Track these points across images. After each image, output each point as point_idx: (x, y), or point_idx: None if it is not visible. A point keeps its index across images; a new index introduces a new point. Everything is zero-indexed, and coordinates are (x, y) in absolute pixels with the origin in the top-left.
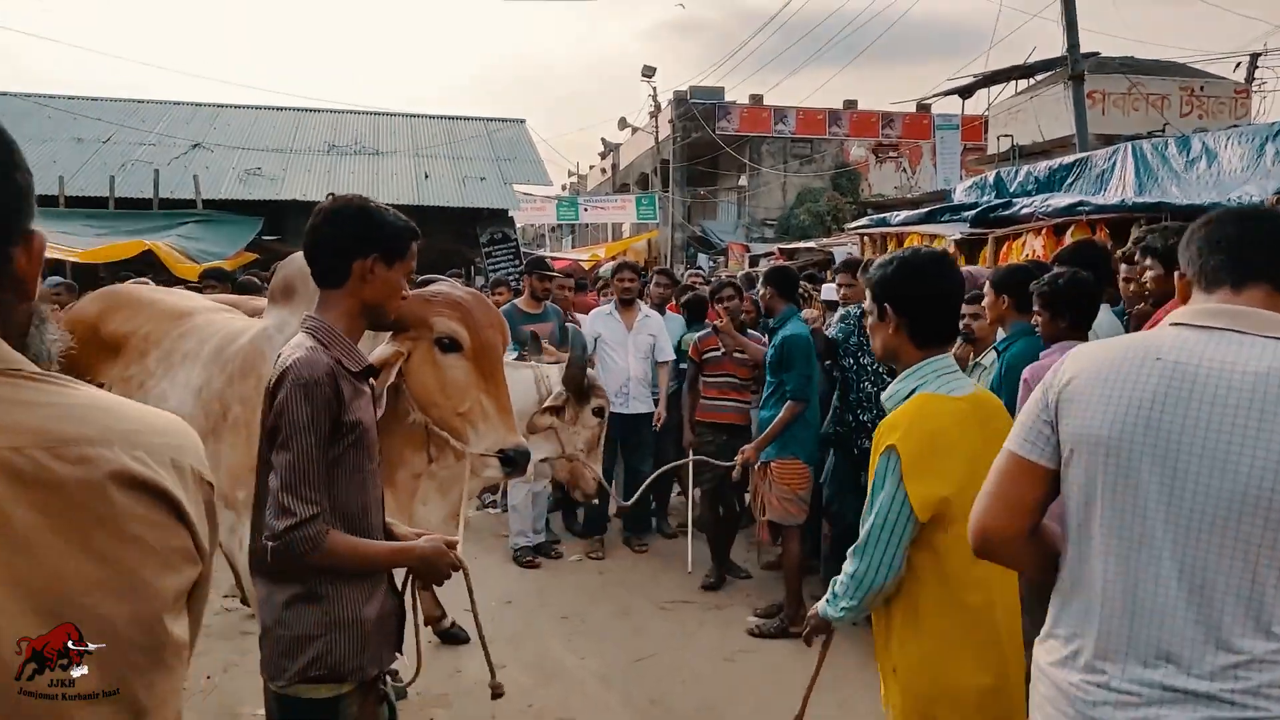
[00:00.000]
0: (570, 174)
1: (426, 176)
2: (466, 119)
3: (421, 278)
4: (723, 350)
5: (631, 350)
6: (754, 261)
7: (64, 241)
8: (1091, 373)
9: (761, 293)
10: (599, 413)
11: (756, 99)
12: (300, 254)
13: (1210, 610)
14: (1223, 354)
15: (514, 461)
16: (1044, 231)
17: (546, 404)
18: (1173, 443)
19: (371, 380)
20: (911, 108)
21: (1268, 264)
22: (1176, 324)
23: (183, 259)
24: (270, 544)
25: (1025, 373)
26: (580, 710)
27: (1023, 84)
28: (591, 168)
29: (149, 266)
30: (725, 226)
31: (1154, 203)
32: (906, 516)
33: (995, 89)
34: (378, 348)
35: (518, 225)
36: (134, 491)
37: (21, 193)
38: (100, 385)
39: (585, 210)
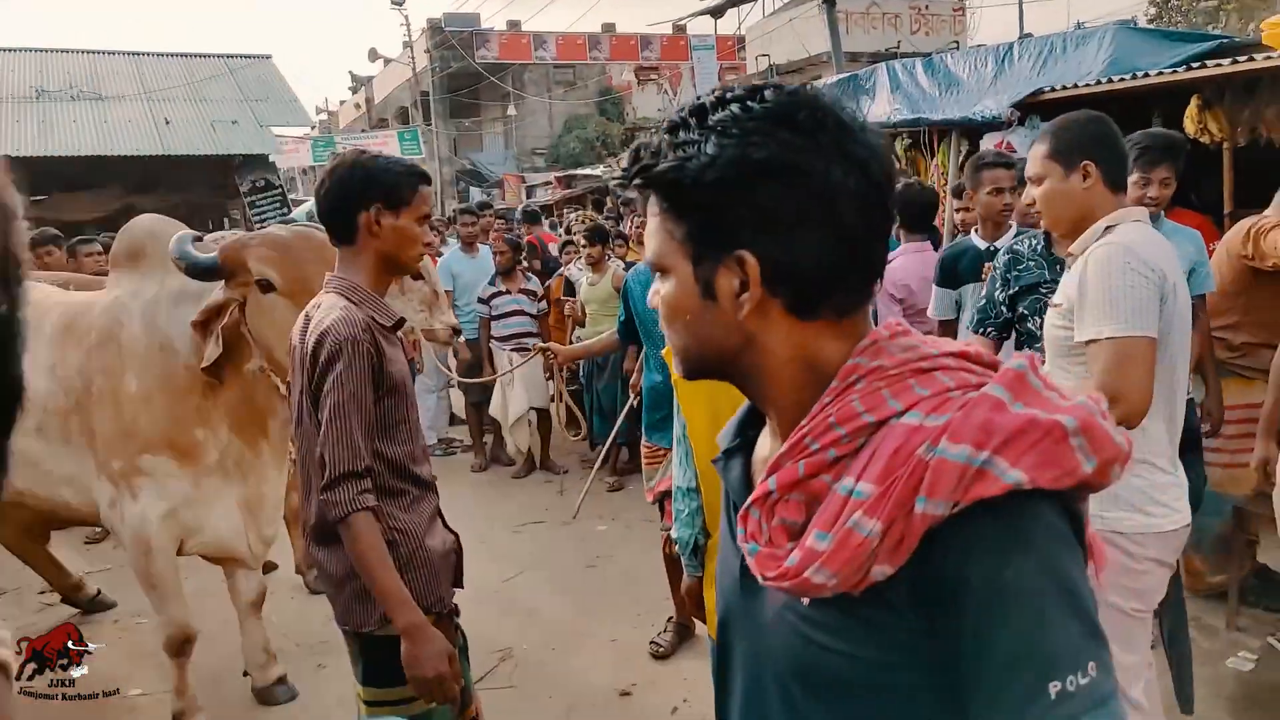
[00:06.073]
0: (319, 110)
1: (168, 122)
2: (206, 56)
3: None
4: None
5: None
6: (530, 192)
7: None
8: (1168, 263)
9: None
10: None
11: (514, 24)
12: (144, 217)
13: None
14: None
15: None
16: None
17: None
18: (1180, 290)
19: (400, 333)
20: (668, 29)
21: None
22: (1138, 220)
23: None
24: (320, 497)
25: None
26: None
27: (770, 5)
28: (343, 103)
29: None
30: (494, 158)
31: (914, 119)
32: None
33: (745, 9)
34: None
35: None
36: None
37: None
38: None
39: (344, 149)
